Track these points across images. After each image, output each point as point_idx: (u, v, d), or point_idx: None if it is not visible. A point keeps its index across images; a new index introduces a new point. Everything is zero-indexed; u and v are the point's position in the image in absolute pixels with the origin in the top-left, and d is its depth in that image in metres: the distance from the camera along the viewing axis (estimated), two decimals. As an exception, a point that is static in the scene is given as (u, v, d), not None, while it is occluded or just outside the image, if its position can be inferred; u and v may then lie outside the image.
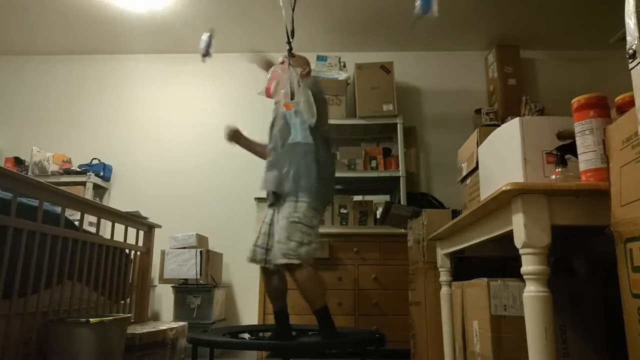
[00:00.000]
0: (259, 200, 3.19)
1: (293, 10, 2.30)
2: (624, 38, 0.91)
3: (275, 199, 2.31)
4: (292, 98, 2.08)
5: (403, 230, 2.65)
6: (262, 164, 2.46)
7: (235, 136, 2.52)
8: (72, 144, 3.99)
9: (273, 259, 2.19)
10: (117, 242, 2.31)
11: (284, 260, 2.10)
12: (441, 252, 2.02)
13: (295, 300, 2.37)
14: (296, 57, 2.44)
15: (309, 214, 2.17)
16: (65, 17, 3.61)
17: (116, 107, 4.11)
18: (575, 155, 1.19)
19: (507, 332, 1.39)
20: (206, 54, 2.37)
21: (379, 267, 3.06)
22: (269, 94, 2.16)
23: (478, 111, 3.72)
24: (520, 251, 1.11)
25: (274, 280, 2.33)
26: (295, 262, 2.09)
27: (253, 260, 2.31)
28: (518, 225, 1.12)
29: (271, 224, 2.31)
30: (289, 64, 2.18)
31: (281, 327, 2.31)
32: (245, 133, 2.57)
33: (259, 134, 2.73)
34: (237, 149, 2.58)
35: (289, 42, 2.25)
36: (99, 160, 3.88)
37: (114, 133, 4.05)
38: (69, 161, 3.87)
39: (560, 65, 4.01)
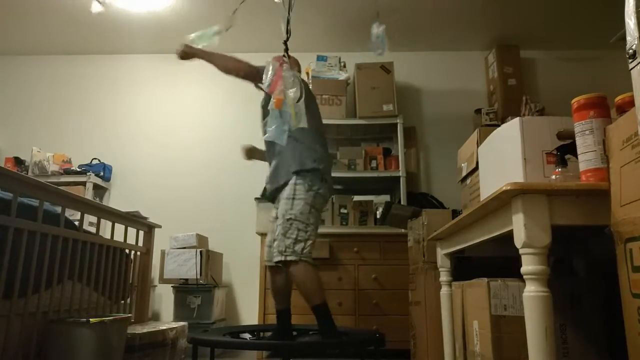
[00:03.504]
0: (259, 200, 3.19)
1: (290, 10, 2.30)
2: (624, 38, 0.91)
3: (271, 197, 2.34)
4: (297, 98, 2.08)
5: (403, 230, 2.65)
6: (261, 164, 2.47)
7: (250, 153, 2.66)
8: (72, 144, 3.99)
9: (274, 256, 2.21)
10: (117, 242, 2.31)
11: (280, 257, 2.13)
12: (441, 252, 2.02)
13: (296, 300, 2.37)
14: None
15: (305, 211, 2.18)
16: (65, 17, 3.61)
17: (116, 107, 4.10)
18: (575, 155, 1.19)
19: (507, 332, 1.39)
20: None
21: (379, 267, 3.05)
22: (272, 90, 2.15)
23: (478, 111, 3.72)
24: (520, 251, 1.12)
25: (279, 278, 2.33)
26: (291, 258, 2.11)
27: (269, 260, 2.35)
28: (518, 225, 1.12)
29: (274, 222, 2.33)
30: (285, 62, 2.18)
31: (282, 326, 2.32)
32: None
33: (260, 134, 2.73)
34: (237, 148, 2.61)
35: (286, 46, 2.26)
36: (99, 160, 3.88)
37: (114, 133, 4.04)
38: (69, 161, 3.87)
39: (560, 65, 4.01)
